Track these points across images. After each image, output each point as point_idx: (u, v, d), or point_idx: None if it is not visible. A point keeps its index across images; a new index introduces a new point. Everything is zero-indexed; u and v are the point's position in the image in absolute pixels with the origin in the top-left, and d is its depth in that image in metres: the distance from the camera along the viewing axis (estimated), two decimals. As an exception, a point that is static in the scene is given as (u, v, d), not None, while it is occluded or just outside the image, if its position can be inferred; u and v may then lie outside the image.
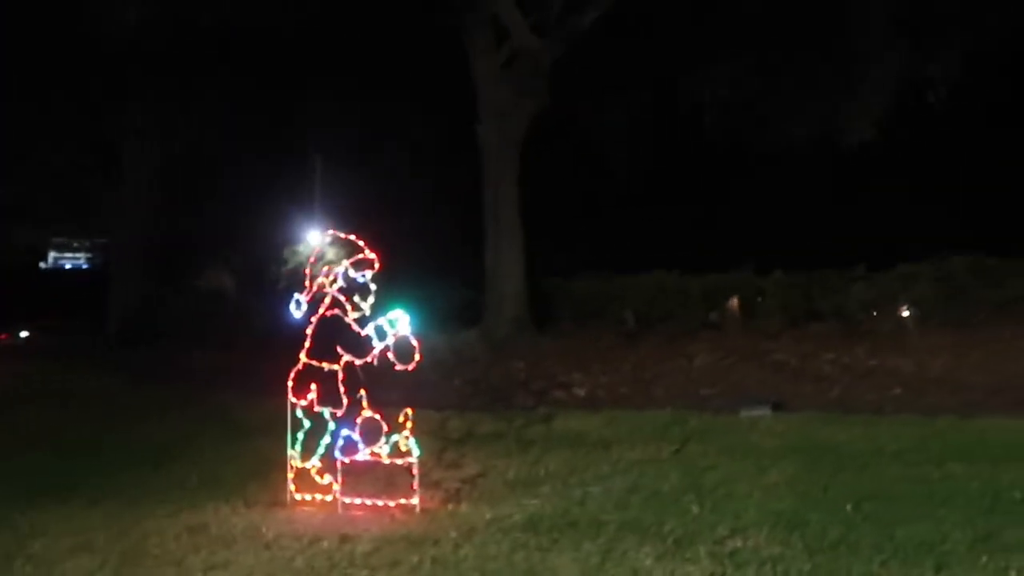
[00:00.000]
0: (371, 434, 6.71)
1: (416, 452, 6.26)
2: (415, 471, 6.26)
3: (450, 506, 6.30)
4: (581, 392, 9.89)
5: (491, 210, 13.51)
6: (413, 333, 6.38)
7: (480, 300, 13.89)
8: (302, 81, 17.71)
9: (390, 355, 6.45)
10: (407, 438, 6.32)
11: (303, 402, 6.80)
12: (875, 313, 10.83)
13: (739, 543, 4.90)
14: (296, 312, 6.83)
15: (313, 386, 6.78)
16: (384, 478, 7.01)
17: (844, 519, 5.25)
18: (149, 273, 19.74)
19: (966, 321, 10.49)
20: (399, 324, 6.41)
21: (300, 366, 6.84)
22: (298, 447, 6.83)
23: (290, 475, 6.76)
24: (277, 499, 6.88)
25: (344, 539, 5.47)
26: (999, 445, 6.84)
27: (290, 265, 24.13)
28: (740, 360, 10.41)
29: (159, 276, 19.82)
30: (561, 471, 7.02)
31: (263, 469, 8.00)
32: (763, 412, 8.40)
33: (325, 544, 5.38)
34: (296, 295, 6.86)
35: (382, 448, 6.47)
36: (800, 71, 12.24)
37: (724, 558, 4.64)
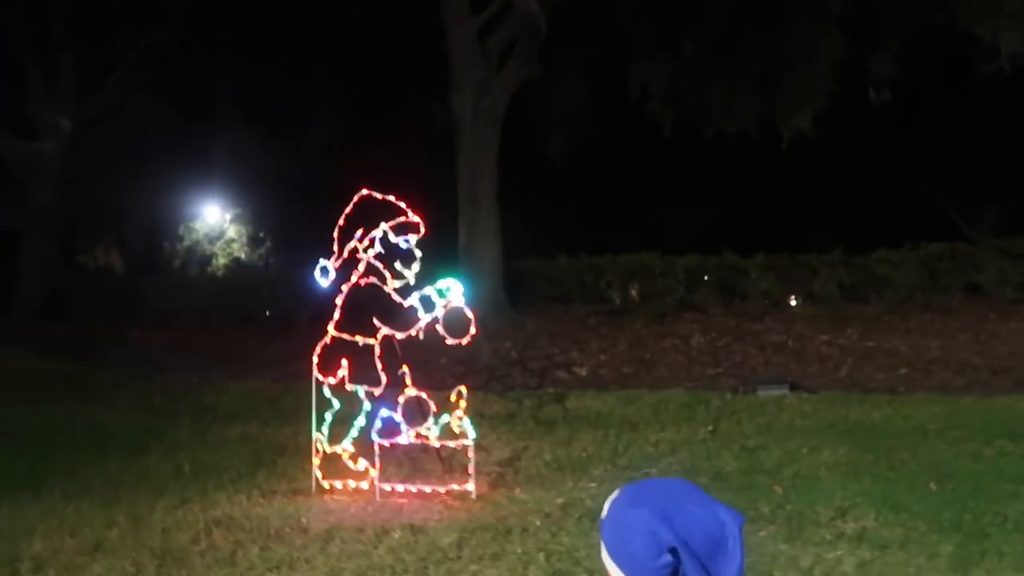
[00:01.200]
0: (416, 414, 6.13)
1: (472, 434, 5.72)
2: (471, 454, 5.73)
3: (503, 491, 5.81)
4: (583, 371, 9.53)
5: (467, 187, 12.92)
6: (467, 304, 5.84)
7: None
8: (214, 56, 16.90)
9: (439, 328, 5.88)
10: (461, 418, 5.77)
11: (332, 380, 6.16)
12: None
13: (854, 525, 4.65)
14: (323, 280, 6.15)
15: (344, 362, 6.15)
16: (408, 463, 6.46)
17: (940, 498, 5.09)
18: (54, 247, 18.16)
19: (945, 305, 10.76)
20: (451, 294, 5.84)
21: (328, 340, 6.16)
22: (325, 429, 6.17)
23: (316, 460, 6.10)
24: (296, 487, 6.21)
25: (416, 530, 4.89)
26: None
27: (186, 242, 23.07)
28: (734, 340, 10.30)
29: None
30: (603, 453, 6.64)
31: (263, 455, 7.26)
32: (782, 391, 8.28)
33: (397, 535, 4.80)
34: (323, 261, 6.19)
35: (430, 430, 5.91)
36: (739, 64, 12.43)
37: (856, 541, 4.37)
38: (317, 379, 6.15)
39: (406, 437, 5.92)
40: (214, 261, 21.86)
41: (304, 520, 5.31)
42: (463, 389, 5.77)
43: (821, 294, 11.31)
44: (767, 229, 12.79)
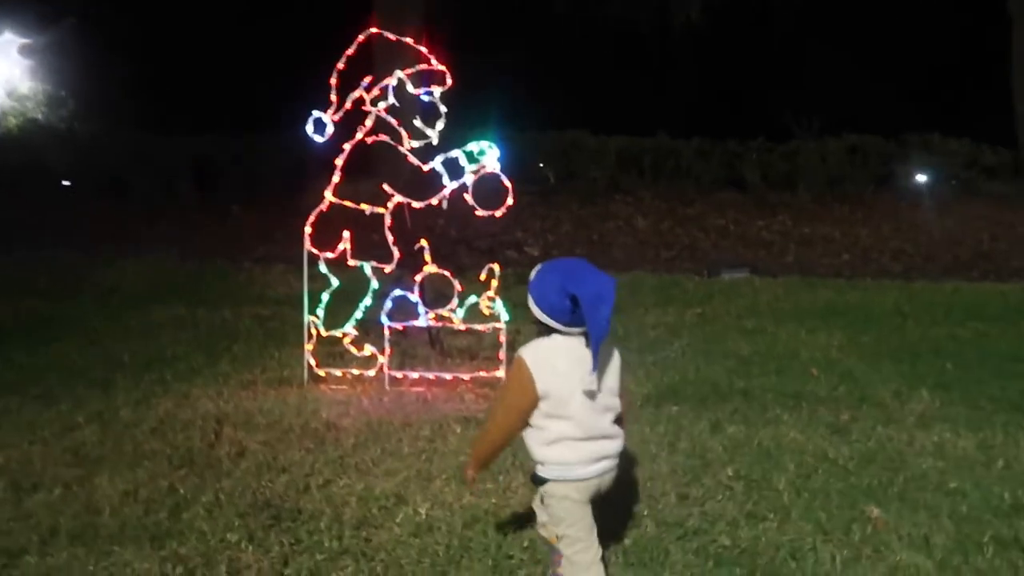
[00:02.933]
0: (436, 294, 5.40)
1: (505, 316, 5.12)
2: (503, 338, 5.14)
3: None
4: (535, 251, 9.06)
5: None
6: (503, 171, 5.09)
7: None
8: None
9: (468, 197, 5.12)
10: (492, 299, 5.14)
11: (329, 254, 5.27)
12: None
13: (917, 406, 4.63)
14: (317, 136, 5.14)
15: (346, 234, 5.25)
16: (408, 350, 5.78)
17: (958, 376, 5.19)
18: None
19: (860, 195, 11.22)
20: (486, 158, 5.06)
21: (324, 206, 5.23)
22: (320, 311, 5.33)
23: (308, 347, 5.28)
24: (278, 377, 5.38)
25: (472, 420, 4.32)
26: (982, 305, 7.35)
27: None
28: (676, 224, 10.21)
29: None
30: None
31: (212, 341, 6.27)
32: (743, 274, 8.30)
33: (459, 430, 4.20)
34: (318, 113, 5.15)
35: (454, 312, 5.23)
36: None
37: (931, 421, 4.33)
38: (311, 253, 5.25)
39: (424, 320, 5.24)
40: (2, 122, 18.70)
41: (325, 414, 4.57)
42: (495, 267, 5.12)
43: (749, 181, 11.41)
44: (688, 115, 12.61)
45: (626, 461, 3.76)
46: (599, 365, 2.34)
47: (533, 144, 11.18)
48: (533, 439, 2.41)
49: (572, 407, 2.36)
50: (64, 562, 2.91)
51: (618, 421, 2.48)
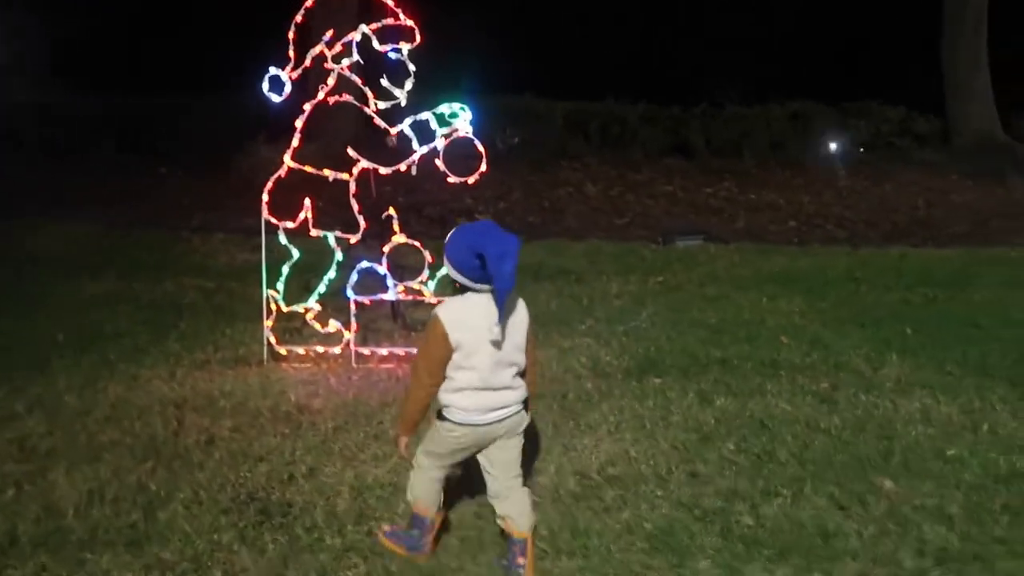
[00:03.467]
0: (402, 267, 5.13)
1: (481, 288, 4.91)
2: (477, 311, 4.93)
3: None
4: (488, 218, 8.82)
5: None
6: (475, 134, 4.83)
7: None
8: None
9: (439, 163, 4.84)
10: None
11: (289, 224, 4.92)
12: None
13: (892, 371, 4.68)
14: (274, 95, 4.76)
15: (307, 202, 4.91)
16: (368, 324, 5.49)
17: (920, 341, 5.29)
18: None
19: (797, 162, 11.39)
20: (458, 121, 4.78)
21: (283, 172, 4.87)
22: (280, 285, 4.99)
23: (267, 323, 4.95)
24: (233, 356, 5.04)
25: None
26: (928, 271, 7.56)
27: None
28: (627, 190, 10.13)
29: None
30: (573, 307, 6.15)
31: (156, 317, 5.84)
32: (697, 241, 8.30)
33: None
34: (274, 69, 4.77)
35: (425, 284, 4.97)
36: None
37: (909, 387, 4.38)
38: (268, 222, 4.90)
39: (393, 293, 4.98)
40: None
41: (293, 396, 4.29)
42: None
43: (694, 147, 11.42)
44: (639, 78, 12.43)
45: (625, 438, 3.70)
46: (506, 322, 2.57)
47: (487, 109, 10.85)
48: (442, 387, 2.65)
49: (476, 358, 2.59)
50: (31, 574, 2.60)
51: (521, 375, 2.71)
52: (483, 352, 2.55)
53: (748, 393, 4.29)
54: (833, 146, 11.15)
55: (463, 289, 2.59)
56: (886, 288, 6.90)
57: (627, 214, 9.25)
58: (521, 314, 2.66)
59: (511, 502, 2.65)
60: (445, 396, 2.63)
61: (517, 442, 2.69)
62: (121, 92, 12.75)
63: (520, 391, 2.67)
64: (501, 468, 2.66)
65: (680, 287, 6.83)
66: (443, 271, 2.68)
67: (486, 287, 2.54)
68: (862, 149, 11.34)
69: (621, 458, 3.42)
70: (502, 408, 2.62)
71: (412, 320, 5.58)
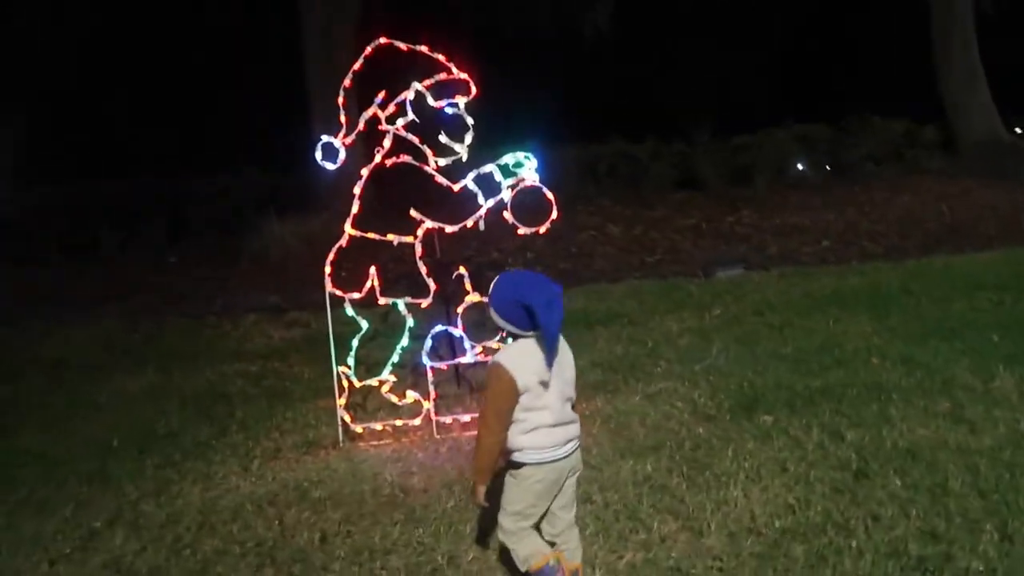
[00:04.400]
0: (478, 327, 4.86)
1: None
2: (562, 366, 4.66)
3: (584, 405, 4.83)
4: (520, 267, 8.61)
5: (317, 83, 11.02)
6: (543, 183, 4.61)
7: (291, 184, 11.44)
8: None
9: (507, 215, 4.62)
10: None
11: (355, 294, 4.65)
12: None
13: (1006, 384, 4.46)
14: (328, 163, 4.55)
15: (372, 270, 4.65)
16: (423, 391, 5.20)
17: (1018, 348, 5.10)
18: None
19: (809, 182, 11.35)
20: (524, 170, 4.58)
21: (344, 241, 4.62)
22: (351, 360, 4.69)
23: (341, 401, 4.64)
24: (305, 441, 4.71)
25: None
26: (979, 275, 7.40)
27: None
28: (649, 228, 9.97)
29: None
30: (640, 352, 5.87)
31: (207, 410, 5.50)
32: (738, 271, 8.11)
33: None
34: (327, 137, 4.56)
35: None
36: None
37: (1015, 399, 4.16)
38: (333, 295, 4.63)
39: (471, 355, 4.70)
40: None
41: (388, 476, 3.97)
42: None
43: (704, 178, 11.34)
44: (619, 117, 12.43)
45: (774, 484, 3.37)
46: (559, 361, 2.69)
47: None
48: (512, 432, 2.68)
49: (546, 397, 2.67)
50: None
51: (572, 407, 2.79)
52: (552, 390, 2.66)
53: (873, 422, 4.03)
54: (845, 163, 11.12)
55: (512, 336, 2.72)
56: (946, 298, 6.71)
57: (656, 251, 9.07)
58: (567, 351, 2.78)
59: (568, 536, 2.76)
60: (517, 440, 2.68)
61: (576, 479, 2.81)
62: (107, 179, 12.53)
63: (578, 422, 2.80)
64: (565, 507, 2.75)
65: (740, 319, 6.60)
66: (494, 319, 2.72)
67: (535, 333, 2.66)
68: (871, 162, 11.31)
69: (783, 508, 3.13)
70: (573, 440, 2.74)
71: (477, 382, 5.30)
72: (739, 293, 7.41)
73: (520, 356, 2.65)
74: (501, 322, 2.70)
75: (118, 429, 5.14)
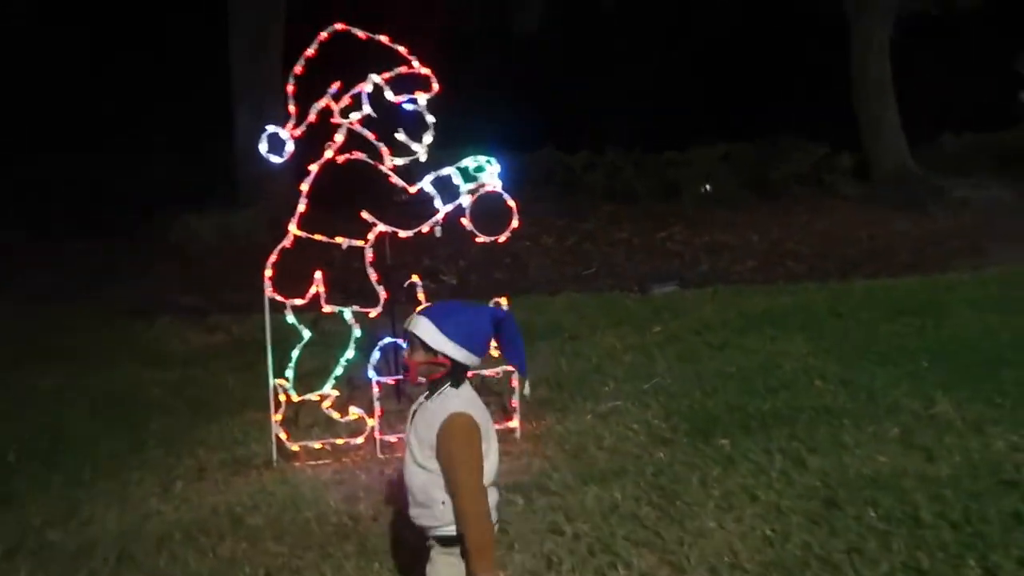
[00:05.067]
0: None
1: (520, 356, 4.42)
2: (516, 383, 4.43)
3: (534, 423, 4.65)
4: (452, 280, 8.34)
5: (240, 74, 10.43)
6: (505, 189, 4.39)
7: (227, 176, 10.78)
8: None
9: (465, 221, 4.37)
10: (501, 339, 4.42)
11: (297, 300, 4.31)
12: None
13: (941, 409, 4.52)
14: (274, 156, 4.22)
15: (317, 275, 4.32)
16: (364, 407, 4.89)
17: (953, 376, 5.18)
18: None
19: (732, 202, 11.54)
20: (485, 175, 4.35)
21: (288, 242, 4.28)
22: (290, 373, 4.34)
23: (276, 417, 4.29)
24: (234, 457, 4.35)
25: (540, 486, 3.61)
26: (902, 300, 7.64)
27: None
28: (583, 240, 9.90)
29: None
30: (585, 368, 5.74)
31: (120, 419, 5.02)
32: (672, 288, 8.13)
33: (520, 497, 3.47)
34: (273, 128, 4.22)
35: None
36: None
37: (982, 426, 4.20)
38: (273, 300, 4.27)
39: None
40: None
41: (332, 501, 3.67)
42: (503, 300, 4.42)
43: (633, 192, 11.38)
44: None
45: (747, 515, 3.25)
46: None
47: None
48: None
49: (493, 451, 2.32)
50: None
51: None
52: (493, 443, 2.31)
53: (830, 448, 4.01)
54: (769, 183, 11.39)
55: (449, 375, 2.29)
56: (872, 321, 6.88)
57: (592, 263, 9.00)
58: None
59: None
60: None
61: None
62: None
63: None
64: None
65: (679, 337, 6.56)
66: (447, 349, 2.28)
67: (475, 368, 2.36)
68: (797, 185, 11.63)
69: (761, 540, 3.04)
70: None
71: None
72: (675, 310, 7.39)
73: (472, 402, 2.30)
74: (459, 351, 2.27)
75: (19, 437, 4.62)
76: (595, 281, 8.51)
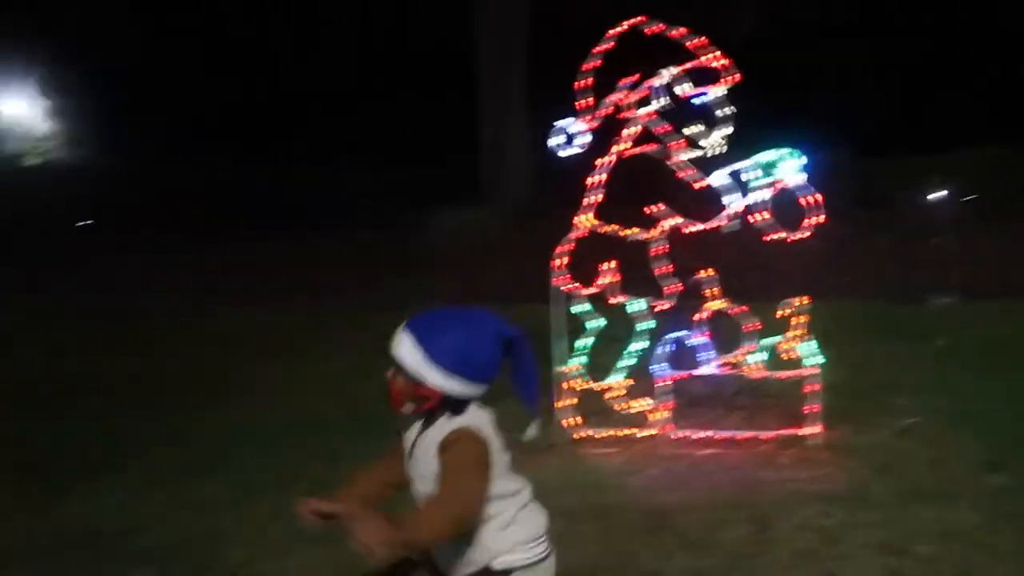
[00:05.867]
0: (724, 337, 4.46)
1: (819, 359, 4.20)
2: (811, 388, 4.21)
3: (829, 432, 4.34)
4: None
5: (488, 79, 11.03)
6: (806, 186, 4.18)
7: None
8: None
9: (757, 217, 4.21)
10: (797, 339, 4.21)
11: (588, 290, 4.37)
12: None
13: None
14: (562, 150, 4.29)
15: (610, 264, 4.36)
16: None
17: None
18: None
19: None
20: (781, 170, 4.17)
21: (580, 233, 4.35)
22: (579, 359, 4.39)
23: (559, 404, 4.36)
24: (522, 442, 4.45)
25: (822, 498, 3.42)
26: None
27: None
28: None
29: None
30: (869, 378, 5.35)
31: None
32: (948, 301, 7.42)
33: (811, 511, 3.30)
34: (563, 122, 4.29)
35: (753, 356, 4.29)
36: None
37: None
38: (560, 290, 4.36)
39: (710, 367, 4.32)
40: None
41: (633, 490, 3.66)
42: (803, 300, 4.20)
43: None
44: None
45: None
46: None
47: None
48: (487, 532, 1.84)
49: (519, 475, 1.92)
50: None
51: None
52: (502, 481, 1.85)
53: None
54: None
55: (455, 407, 1.83)
56: None
57: (845, 273, 8.41)
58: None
59: None
60: (501, 541, 1.84)
61: None
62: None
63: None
64: None
65: (967, 350, 5.89)
66: (438, 380, 1.81)
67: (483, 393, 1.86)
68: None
69: None
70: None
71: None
72: (958, 321, 6.72)
73: (483, 424, 1.86)
74: (442, 379, 1.81)
75: (298, 409, 5.06)
76: (861, 289, 7.91)
